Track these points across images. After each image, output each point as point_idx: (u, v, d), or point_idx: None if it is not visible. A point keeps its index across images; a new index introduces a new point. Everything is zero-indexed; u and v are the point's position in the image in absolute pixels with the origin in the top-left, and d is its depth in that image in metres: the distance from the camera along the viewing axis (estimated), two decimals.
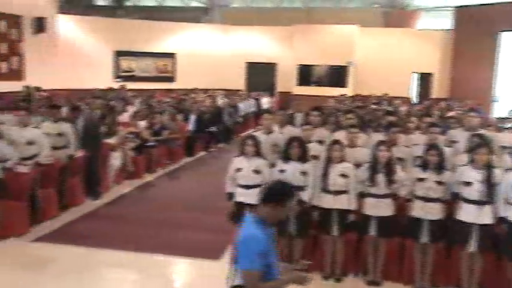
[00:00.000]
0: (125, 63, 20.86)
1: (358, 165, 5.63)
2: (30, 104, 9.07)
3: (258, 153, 5.61)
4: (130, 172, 9.42)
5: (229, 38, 22.21)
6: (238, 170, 5.56)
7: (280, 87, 22.01)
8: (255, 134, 6.17)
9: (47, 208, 6.91)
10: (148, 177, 9.82)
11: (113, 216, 7.47)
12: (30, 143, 6.76)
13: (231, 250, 5.85)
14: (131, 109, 12.40)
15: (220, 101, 15.24)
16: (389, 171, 5.32)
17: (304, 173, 5.41)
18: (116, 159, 8.83)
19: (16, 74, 15.63)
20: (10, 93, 13.22)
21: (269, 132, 6.54)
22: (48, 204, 6.92)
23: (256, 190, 5.48)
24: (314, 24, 20.73)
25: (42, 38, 16.70)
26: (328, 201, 5.37)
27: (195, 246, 6.30)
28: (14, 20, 15.46)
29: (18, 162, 6.40)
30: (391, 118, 7.22)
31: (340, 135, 6.56)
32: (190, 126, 12.31)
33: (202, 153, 12.60)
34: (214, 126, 13.16)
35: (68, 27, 18.94)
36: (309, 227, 5.52)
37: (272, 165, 5.70)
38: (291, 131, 6.96)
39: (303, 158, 5.45)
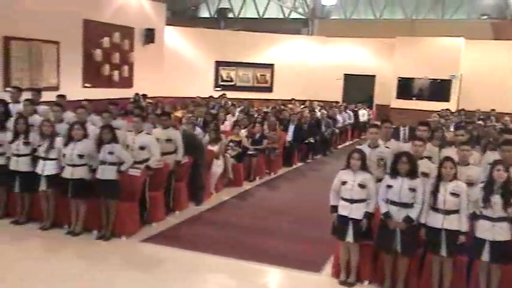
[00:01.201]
0: (225, 72, 21.50)
1: (469, 184, 5.35)
2: (143, 111, 9.58)
3: (364, 167, 5.52)
4: (230, 180, 9.65)
5: (327, 49, 22.17)
6: (343, 183, 5.50)
7: (378, 99, 21.59)
8: (360, 147, 6.06)
9: (155, 211, 7.24)
10: (248, 186, 9.99)
11: (215, 222, 7.67)
12: (142, 148, 7.13)
13: (332, 263, 5.80)
14: (231, 118, 12.74)
15: (319, 112, 15.19)
16: (507, 193, 4.98)
17: (412, 190, 5.22)
18: (218, 167, 9.07)
19: (126, 82, 16.66)
20: (120, 99, 14.08)
21: (374, 145, 6.42)
22: (155, 207, 7.25)
23: (361, 205, 5.44)
24: (417, 36, 20.11)
25: (150, 48, 17.68)
26: (437, 220, 5.14)
27: (294, 257, 6.29)
28: (126, 32, 16.52)
29: (131, 165, 6.76)
30: (509, 136, 6.76)
31: (450, 151, 6.27)
32: (289, 136, 12.39)
33: (300, 164, 12.62)
34: (312, 137, 13.13)
35: (174, 38, 19.90)
36: (415, 246, 5.31)
37: (378, 180, 5.59)
38: (396, 145, 6.77)
39: (412, 173, 5.27)
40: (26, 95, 8.81)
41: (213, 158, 8.97)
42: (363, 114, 18.51)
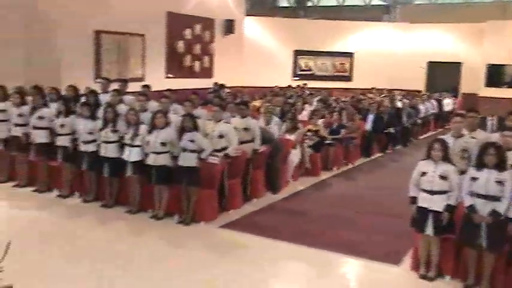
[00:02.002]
0: (303, 62, 21.41)
1: None
2: (222, 100, 9.79)
3: (446, 158, 5.31)
4: (307, 169, 9.64)
5: (410, 36, 21.40)
6: (423, 174, 5.32)
7: (464, 88, 20.59)
8: (443, 137, 5.83)
9: (232, 198, 7.39)
10: (324, 176, 9.93)
11: (292, 211, 7.71)
12: (221, 136, 7.30)
13: (411, 256, 5.66)
14: (309, 107, 12.70)
15: (399, 102, 14.74)
16: None
17: (500, 183, 4.95)
18: (295, 156, 9.09)
19: (206, 72, 17.08)
20: (201, 89, 14.45)
21: (458, 136, 6.15)
22: (233, 194, 7.41)
23: (442, 196, 5.24)
24: (510, 20, 18.90)
25: (229, 39, 17.97)
26: None
27: (373, 248, 6.19)
28: (207, 23, 16.91)
29: (211, 153, 6.94)
30: None
31: None
32: (368, 126, 12.14)
33: (378, 155, 12.34)
34: (392, 127, 12.78)
35: (253, 28, 20.06)
36: (503, 241, 5.04)
37: (461, 172, 5.35)
38: (483, 136, 6.43)
39: (501, 166, 5.00)
40: (114, 86, 9.28)
41: (290, 147, 9.00)
42: (447, 104, 17.72)
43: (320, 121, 10.66)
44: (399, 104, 14.34)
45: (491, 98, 17.85)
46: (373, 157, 12.05)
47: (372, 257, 5.93)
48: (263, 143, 8.12)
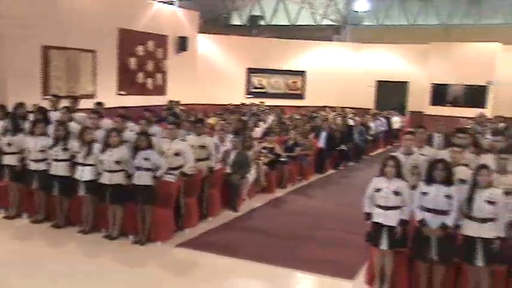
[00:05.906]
0: (257, 80, 21.61)
1: (508, 193, 5.25)
2: (178, 118, 9.73)
3: (398, 175, 5.49)
4: (262, 187, 9.69)
5: (360, 56, 22.04)
6: (378, 190, 5.47)
7: (411, 106, 21.33)
8: (395, 154, 6.02)
9: (189, 217, 7.32)
10: (279, 193, 10.01)
11: (247, 229, 7.72)
12: (177, 154, 7.25)
13: (366, 270, 5.77)
14: (263, 125, 12.81)
15: (351, 120, 15.10)
16: None
17: (448, 197, 5.16)
18: (250, 174, 9.11)
19: (159, 90, 16.94)
20: (154, 106, 14.32)
21: (409, 153, 6.37)
22: (190, 213, 7.34)
23: (396, 212, 5.40)
24: (452, 42, 19.82)
25: (183, 56, 17.92)
26: (473, 229, 5.06)
27: (327, 263, 6.28)
28: (160, 40, 16.82)
29: (166, 171, 6.87)
30: None
31: (487, 158, 6.17)
32: (321, 143, 12.36)
33: (331, 171, 12.57)
34: (344, 144, 13.08)
35: (206, 45, 20.10)
36: (452, 254, 5.23)
37: (413, 187, 5.54)
38: (432, 152, 6.69)
39: (448, 180, 5.21)
40: (65, 103, 9.06)
41: None
42: (396, 122, 18.28)
43: (275, 138, 10.74)
44: (351, 122, 14.69)
45: (435, 116, 18.60)
46: (326, 173, 12.26)
47: (327, 271, 6.01)
48: (239, 167, 8.12)
